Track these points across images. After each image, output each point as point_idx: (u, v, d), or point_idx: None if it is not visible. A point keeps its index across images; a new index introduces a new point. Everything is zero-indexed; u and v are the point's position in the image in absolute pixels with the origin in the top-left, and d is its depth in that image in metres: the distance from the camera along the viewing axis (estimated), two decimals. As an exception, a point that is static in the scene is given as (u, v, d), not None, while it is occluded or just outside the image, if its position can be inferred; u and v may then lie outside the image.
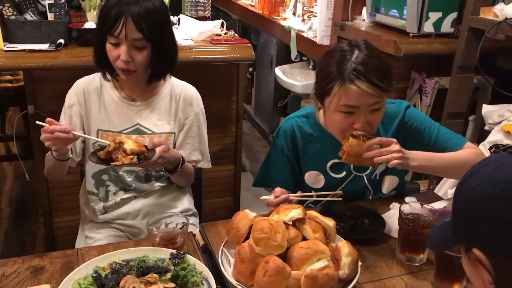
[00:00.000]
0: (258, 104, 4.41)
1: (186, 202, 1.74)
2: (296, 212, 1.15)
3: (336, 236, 1.20)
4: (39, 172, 2.14)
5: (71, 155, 1.52)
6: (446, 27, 2.32)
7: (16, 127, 3.96)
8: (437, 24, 2.30)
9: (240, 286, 1.05)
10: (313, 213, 1.20)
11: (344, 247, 1.10)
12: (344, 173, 1.49)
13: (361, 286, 1.15)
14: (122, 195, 1.64)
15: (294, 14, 3.58)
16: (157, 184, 1.67)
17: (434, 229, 0.96)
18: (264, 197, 1.36)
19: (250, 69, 4.43)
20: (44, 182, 2.15)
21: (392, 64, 2.43)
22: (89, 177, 1.66)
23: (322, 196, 1.44)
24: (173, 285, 1.04)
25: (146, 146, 1.44)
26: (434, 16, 2.28)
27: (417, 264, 1.24)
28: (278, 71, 3.41)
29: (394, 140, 1.29)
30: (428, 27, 2.30)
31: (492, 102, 2.37)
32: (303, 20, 3.35)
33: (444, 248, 1.04)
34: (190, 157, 1.67)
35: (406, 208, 1.27)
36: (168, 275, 1.07)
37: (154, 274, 1.05)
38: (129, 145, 1.38)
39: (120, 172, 1.62)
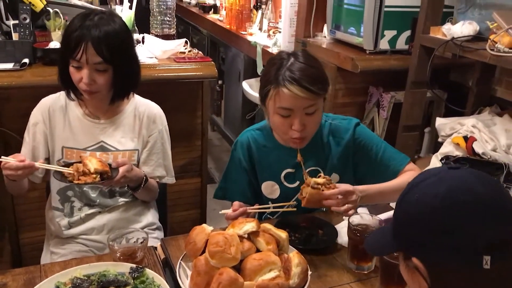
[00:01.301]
0: (227, 116, 4.48)
1: (150, 217, 1.79)
2: (250, 225, 1.22)
3: (289, 247, 1.28)
4: (4, 189, 2.15)
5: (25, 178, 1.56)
6: (401, 44, 2.44)
7: None
8: (392, 41, 2.42)
9: (196, 297, 1.11)
10: (267, 225, 1.28)
11: (294, 257, 1.18)
12: (297, 183, 1.57)
13: (312, 294, 1.23)
14: (87, 211, 1.68)
15: (260, 29, 3.67)
16: (121, 200, 1.71)
17: (373, 234, 1.03)
18: (222, 211, 1.42)
19: (220, 82, 4.50)
20: (10, 199, 2.17)
21: (352, 80, 2.56)
22: (54, 193, 1.69)
23: (278, 208, 1.51)
24: (131, 298, 1.09)
25: (110, 165, 1.48)
26: (389, 34, 2.40)
27: (365, 272, 1.32)
28: (245, 84, 3.48)
29: (353, 191, 1.37)
30: (383, 44, 2.41)
31: (446, 115, 2.49)
32: (269, 35, 3.44)
33: (383, 253, 1.12)
34: (154, 173, 1.72)
35: (355, 219, 1.35)
36: (128, 289, 1.12)
37: (113, 288, 1.11)
38: (93, 164, 1.42)
39: (85, 188, 1.66)
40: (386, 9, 2.36)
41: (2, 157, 1.37)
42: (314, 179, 1.35)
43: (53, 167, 1.51)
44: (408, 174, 1.54)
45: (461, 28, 2.01)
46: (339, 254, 1.39)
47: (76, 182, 1.40)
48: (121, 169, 1.46)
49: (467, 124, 2.13)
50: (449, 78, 2.66)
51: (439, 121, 2.26)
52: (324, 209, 1.61)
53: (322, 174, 1.40)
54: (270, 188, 1.59)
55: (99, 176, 1.42)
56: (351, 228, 1.33)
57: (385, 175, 1.54)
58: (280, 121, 1.44)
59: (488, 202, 0.80)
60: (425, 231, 0.81)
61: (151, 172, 1.70)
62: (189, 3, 5.06)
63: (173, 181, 1.81)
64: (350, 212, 1.35)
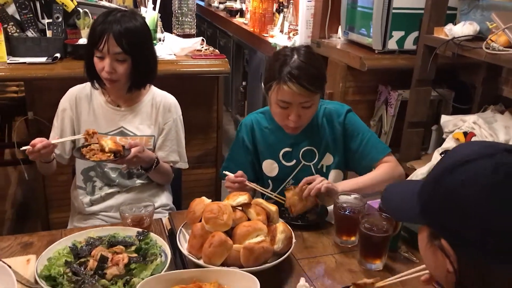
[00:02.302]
0: (250, 116, 4.64)
1: (164, 198, 1.95)
2: (242, 198, 1.37)
3: (280, 220, 1.42)
4: (38, 173, 2.38)
5: (53, 157, 1.74)
6: (409, 44, 2.54)
7: (18, 132, 4.23)
8: (400, 42, 2.53)
9: (191, 256, 1.27)
10: (259, 200, 1.42)
11: (280, 226, 1.32)
12: (294, 161, 1.73)
13: (298, 261, 1.36)
14: (107, 190, 1.86)
15: (281, 31, 3.82)
16: (138, 181, 1.89)
17: (393, 190, 0.95)
18: (226, 171, 1.58)
19: (244, 83, 4.67)
20: (41, 182, 2.39)
21: (361, 78, 2.68)
22: (78, 173, 1.88)
23: (277, 194, 1.65)
24: (135, 254, 1.26)
25: (123, 146, 1.66)
26: (397, 34, 2.51)
27: (349, 246, 1.45)
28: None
29: (317, 175, 1.56)
30: (392, 45, 2.53)
31: (453, 113, 2.58)
32: (289, 37, 3.59)
33: (405, 221, 1.16)
34: (169, 158, 1.89)
35: (341, 198, 1.48)
36: (133, 248, 1.29)
37: (121, 246, 1.28)
38: (108, 144, 1.60)
39: (106, 169, 1.85)
40: (394, 10, 2.47)
41: (22, 147, 1.56)
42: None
43: (66, 139, 1.71)
44: (384, 166, 1.69)
45: (461, 29, 2.11)
46: (327, 231, 1.52)
47: (92, 159, 1.57)
48: (133, 150, 1.63)
49: (469, 120, 2.22)
50: (457, 78, 2.73)
51: (444, 119, 2.35)
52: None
53: (292, 186, 1.57)
54: (269, 167, 1.76)
55: (113, 155, 1.59)
56: (337, 206, 1.46)
57: (364, 162, 1.71)
58: (279, 111, 1.61)
59: None
60: (467, 221, 0.72)
61: (165, 157, 1.87)
62: (217, 7, 5.26)
63: (186, 166, 1.97)
64: (325, 185, 1.50)
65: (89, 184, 1.87)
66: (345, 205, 1.45)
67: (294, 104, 1.57)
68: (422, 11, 2.37)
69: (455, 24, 2.17)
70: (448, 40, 2.11)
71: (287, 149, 1.74)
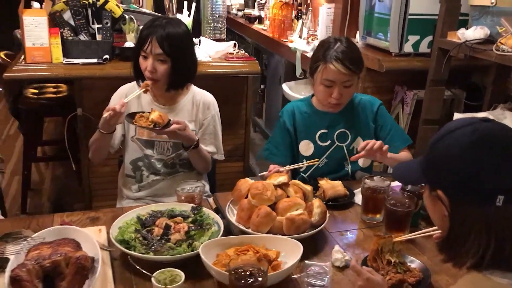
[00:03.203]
0: (268, 117, 4.85)
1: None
2: (282, 178, 1.58)
3: (314, 198, 1.62)
4: (84, 164, 2.60)
5: (115, 128, 1.92)
6: (424, 47, 2.74)
7: (59, 130, 4.50)
8: (416, 45, 2.73)
9: (240, 225, 1.48)
10: (296, 181, 1.63)
11: (316, 201, 1.52)
12: (328, 141, 1.97)
13: (330, 234, 1.57)
14: (153, 177, 2.08)
15: (300, 37, 4.03)
16: (181, 170, 2.10)
17: (401, 167, 1.18)
18: (260, 174, 1.79)
19: (262, 86, 4.88)
20: (87, 173, 2.61)
21: (379, 79, 2.88)
22: (127, 163, 2.09)
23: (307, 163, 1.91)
24: (192, 225, 1.47)
25: (169, 121, 1.82)
26: (412, 38, 2.71)
27: (374, 222, 1.65)
28: (285, 86, 3.83)
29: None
30: (408, 48, 2.72)
31: (465, 112, 2.77)
32: (308, 42, 3.79)
33: (411, 183, 1.44)
34: (207, 149, 2.09)
35: (368, 180, 1.68)
36: (190, 220, 1.50)
37: (180, 217, 1.49)
38: (153, 115, 1.78)
39: (152, 160, 2.06)
40: (410, 16, 2.67)
41: (105, 114, 1.77)
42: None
43: (132, 96, 1.91)
44: (403, 154, 1.95)
45: (473, 33, 2.30)
46: (355, 210, 1.72)
47: (135, 123, 1.78)
48: (173, 126, 1.80)
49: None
50: (469, 79, 2.93)
51: (456, 116, 2.53)
52: (349, 170, 2.01)
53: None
54: (306, 146, 2.00)
55: (153, 124, 1.76)
56: (364, 187, 1.66)
57: (391, 149, 1.90)
58: (324, 90, 1.87)
59: (510, 153, 0.92)
60: (453, 171, 0.95)
61: (204, 148, 2.07)
62: (236, 14, 5.49)
63: (222, 157, 2.17)
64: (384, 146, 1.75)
65: (138, 172, 2.08)
66: (372, 186, 1.65)
67: (337, 82, 1.83)
68: (436, 17, 2.57)
69: (467, 29, 2.36)
70: (460, 43, 2.30)
71: (323, 130, 1.98)
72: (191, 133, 1.94)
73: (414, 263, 1.37)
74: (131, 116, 1.84)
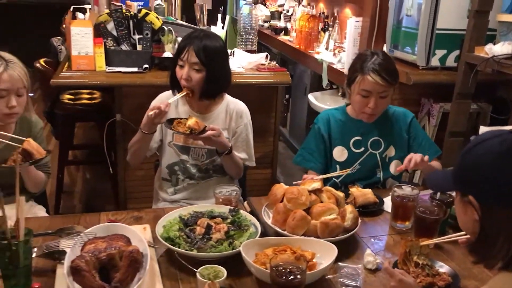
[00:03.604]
0: (292, 126, 4.94)
1: (235, 191, 2.25)
2: (316, 184, 1.66)
3: (345, 204, 1.70)
4: (120, 168, 2.72)
5: (156, 129, 2.02)
6: (450, 62, 2.80)
7: (90, 135, 4.65)
8: (443, 59, 2.79)
9: (276, 227, 1.56)
10: (329, 188, 1.71)
11: (348, 207, 1.60)
12: (362, 148, 2.07)
13: (362, 239, 1.64)
14: (188, 181, 2.17)
15: (326, 48, 4.12)
16: (214, 175, 2.20)
17: (434, 176, 1.29)
18: (295, 183, 1.87)
19: (286, 96, 4.97)
20: (123, 176, 2.73)
21: (406, 91, 2.94)
22: (164, 167, 2.19)
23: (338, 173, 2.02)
24: (231, 225, 1.56)
25: (205, 127, 1.91)
26: (440, 52, 2.78)
27: (404, 229, 1.71)
28: (311, 97, 3.92)
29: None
30: (435, 62, 2.79)
31: (491, 125, 2.82)
32: (334, 54, 3.88)
33: (443, 190, 1.51)
34: (240, 156, 2.18)
35: (397, 190, 1.75)
36: (228, 221, 1.59)
37: (219, 218, 1.58)
38: (190, 121, 1.87)
39: (187, 165, 2.16)
40: (437, 31, 2.74)
41: (150, 112, 1.86)
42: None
43: (175, 98, 2.01)
44: (433, 163, 2.02)
45: (501, 48, 2.36)
46: (384, 217, 1.80)
47: (174, 129, 1.88)
48: (209, 132, 1.89)
49: (505, 130, 2.46)
50: (496, 93, 2.97)
51: (482, 129, 2.58)
52: (380, 177, 2.10)
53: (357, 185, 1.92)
54: (340, 152, 2.09)
55: (189, 130, 1.85)
56: (394, 195, 1.73)
57: None
58: (360, 100, 1.97)
59: None
60: (484, 178, 1.04)
61: (237, 155, 2.16)
62: (262, 26, 5.61)
63: (253, 164, 2.26)
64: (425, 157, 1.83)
65: (174, 176, 2.18)
66: (401, 194, 1.72)
67: (374, 92, 1.93)
68: (463, 32, 2.63)
69: (494, 44, 2.43)
70: (488, 58, 2.36)
71: (357, 137, 2.07)
72: (225, 140, 2.03)
73: (443, 268, 1.43)
74: (170, 122, 1.95)
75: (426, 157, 1.83)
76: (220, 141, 1.99)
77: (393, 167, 2.08)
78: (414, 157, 1.81)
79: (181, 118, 1.97)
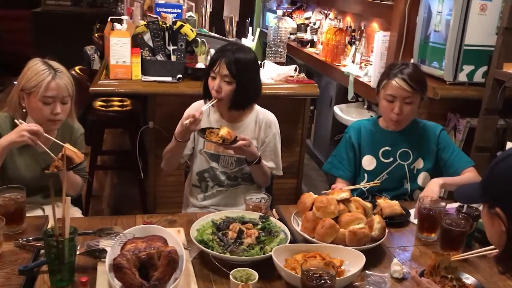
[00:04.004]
0: (316, 138, 4.98)
1: (261, 199, 2.31)
2: (344, 194, 1.71)
3: (373, 215, 1.74)
4: (150, 174, 2.80)
5: (189, 138, 2.11)
6: (478, 77, 2.82)
7: (118, 141, 4.76)
8: (470, 75, 2.82)
9: (305, 234, 1.62)
10: (357, 198, 1.76)
11: (376, 217, 1.64)
12: (391, 159, 2.12)
13: (388, 249, 1.68)
14: (217, 188, 2.24)
15: (353, 61, 4.17)
16: (242, 183, 2.26)
17: (462, 189, 1.34)
18: (323, 192, 1.92)
19: (311, 108, 5.02)
20: (153, 181, 2.82)
21: (433, 106, 2.97)
22: (194, 174, 2.27)
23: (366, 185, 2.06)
24: (262, 231, 1.61)
25: (236, 137, 1.97)
26: (467, 68, 2.80)
27: (430, 241, 1.74)
28: (336, 109, 3.97)
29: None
30: (462, 77, 2.82)
31: (518, 141, 2.82)
32: (361, 67, 3.92)
33: (471, 202, 1.54)
34: (267, 165, 2.25)
35: (424, 202, 1.79)
36: (259, 227, 1.64)
37: (250, 224, 1.64)
38: (223, 131, 1.94)
39: (217, 172, 2.23)
40: (465, 47, 2.77)
41: (186, 121, 1.95)
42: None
43: (205, 106, 2.09)
44: (467, 174, 2.04)
45: (529, 65, 2.39)
46: (410, 229, 1.83)
47: (207, 138, 1.95)
48: (240, 142, 1.95)
49: (533, 147, 2.47)
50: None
51: (509, 145, 2.60)
52: (408, 188, 2.15)
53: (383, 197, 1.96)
54: (369, 161, 2.14)
55: (222, 140, 1.92)
56: (421, 207, 1.76)
57: (451, 170, 2.08)
58: (386, 104, 2.05)
59: None
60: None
61: (265, 164, 2.23)
62: (289, 38, 5.68)
63: (281, 173, 2.31)
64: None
65: (203, 183, 2.25)
66: (428, 206, 1.76)
67: (398, 97, 2.00)
68: (491, 48, 2.65)
69: (523, 61, 2.45)
70: (516, 75, 2.38)
71: (387, 148, 2.12)
72: (254, 149, 2.10)
73: (469, 279, 1.46)
74: (202, 131, 2.02)
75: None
76: (250, 151, 2.05)
77: (420, 178, 2.11)
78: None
79: (212, 128, 2.04)
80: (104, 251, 1.46)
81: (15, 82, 1.94)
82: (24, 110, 1.90)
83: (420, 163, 2.13)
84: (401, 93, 2.00)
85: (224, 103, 2.12)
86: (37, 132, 1.75)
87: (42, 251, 1.50)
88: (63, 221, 1.36)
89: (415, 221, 1.83)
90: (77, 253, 1.44)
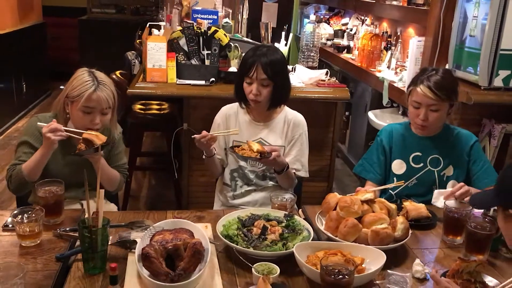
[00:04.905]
0: (351, 143, 4.97)
1: (289, 200, 2.35)
2: (369, 195, 1.74)
3: (397, 216, 1.75)
4: (184, 174, 2.89)
5: (214, 153, 2.19)
6: (515, 82, 2.77)
7: (155, 143, 4.90)
8: (506, 80, 2.77)
9: (329, 233, 1.65)
10: (381, 199, 1.78)
11: (400, 218, 1.66)
12: (421, 164, 2.11)
13: (412, 250, 1.68)
14: (246, 188, 2.30)
15: (388, 67, 4.15)
16: (270, 182, 2.31)
17: (477, 194, 1.40)
18: (349, 195, 1.94)
19: (346, 113, 5.02)
20: (186, 181, 2.91)
21: (467, 111, 2.94)
22: (227, 173, 2.33)
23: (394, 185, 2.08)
24: (286, 229, 1.66)
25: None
26: (503, 73, 2.76)
27: (455, 244, 1.74)
28: (371, 114, 3.96)
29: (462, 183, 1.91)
30: (498, 82, 2.77)
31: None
32: (396, 72, 3.90)
33: (485, 207, 1.54)
34: (293, 166, 2.27)
35: (450, 203, 1.78)
36: (283, 224, 1.69)
37: (275, 221, 1.69)
38: (256, 146, 2.00)
39: (246, 171, 2.29)
40: (501, 52, 2.72)
41: (193, 136, 2.04)
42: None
43: (219, 133, 2.17)
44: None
45: None
46: (436, 231, 1.83)
47: (244, 154, 1.99)
48: (274, 153, 2.01)
49: None
50: None
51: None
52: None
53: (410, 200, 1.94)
54: (399, 165, 2.15)
55: (259, 154, 1.98)
56: (447, 210, 1.76)
57: (479, 184, 2.04)
58: (412, 110, 2.07)
59: None
60: None
61: (290, 163, 2.25)
62: (325, 43, 5.71)
63: (307, 175, 2.33)
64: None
65: (233, 182, 2.32)
66: (454, 209, 1.76)
67: (423, 104, 2.01)
68: (529, 53, 2.61)
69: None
70: (553, 80, 2.33)
71: (417, 153, 2.12)
72: (283, 159, 2.15)
73: (492, 282, 1.46)
74: (232, 149, 2.08)
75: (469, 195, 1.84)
76: (280, 161, 2.10)
77: (450, 187, 2.09)
78: (465, 188, 1.85)
79: (238, 146, 2.08)
80: (134, 242, 1.54)
81: (62, 87, 2.05)
82: (67, 116, 2.00)
83: (450, 171, 2.12)
84: (426, 100, 2.00)
85: (263, 104, 2.19)
86: (56, 127, 1.82)
87: (78, 241, 1.59)
88: (97, 213, 1.45)
89: (439, 204, 1.87)
90: (109, 243, 1.52)
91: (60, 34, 7.58)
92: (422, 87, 2.00)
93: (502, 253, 1.68)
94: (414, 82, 2.05)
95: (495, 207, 1.62)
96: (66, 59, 7.15)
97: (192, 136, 2.06)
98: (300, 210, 1.98)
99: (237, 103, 2.31)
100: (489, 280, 1.47)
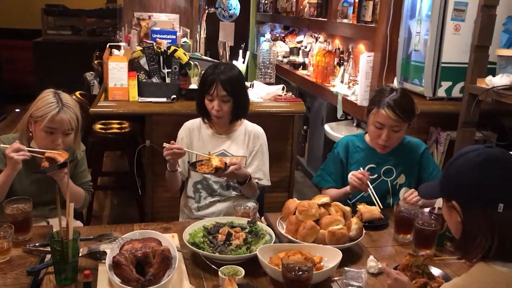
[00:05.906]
0: (310, 156, 5.14)
1: (252, 209, 2.45)
2: (325, 199, 1.86)
3: (352, 217, 1.88)
4: (148, 191, 2.95)
5: (178, 168, 2.28)
6: (456, 92, 2.99)
7: (116, 162, 4.89)
8: (448, 90, 2.99)
9: (289, 236, 1.76)
10: (336, 202, 1.91)
11: (354, 219, 1.79)
12: (375, 175, 2.23)
13: (366, 249, 1.82)
14: (210, 199, 2.39)
15: (342, 82, 4.35)
16: (233, 192, 2.40)
17: (424, 186, 1.51)
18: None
19: (305, 127, 5.20)
20: (150, 198, 2.96)
21: (416, 121, 3.12)
22: (189, 186, 2.42)
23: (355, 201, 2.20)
24: (249, 234, 1.75)
25: (226, 164, 2.16)
26: (445, 84, 2.98)
27: (405, 242, 1.88)
28: (327, 127, 4.12)
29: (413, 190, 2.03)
30: (441, 93, 2.99)
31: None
32: (349, 86, 4.10)
33: (432, 197, 1.63)
34: (255, 175, 2.38)
35: (401, 204, 1.93)
36: (246, 230, 1.79)
37: (239, 228, 1.78)
38: (215, 161, 2.10)
39: (209, 182, 2.38)
40: (443, 64, 2.94)
41: (164, 144, 2.10)
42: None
43: (193, 151, 2.25)
44: None
45: (500, 80, 2.55)
46: (388, 231, 1.97)
47: (200, 171, 2.10)
48: (230, 167, 2.10)
49: (508, 156, 2.62)
50: (500, 122, 3.14)
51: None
52: (390, 202, 2.24)
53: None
54: None
55: (215, 169, 2.06)
56: (397, 210, 1.91)
57: None
58: (374, 130, 2.15)
59: (509, 170, 1.22)
60: (464, 185, 1.24)
61: (252, 173, 2.36)
62: (282, 61, 5.89)
63: (269, 183, 2.45)
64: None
65: (197, 194, 2.40)
66: (403, 209, 1.90)
67: (386, 126, 2.10)
68: (466, 65, 2.83)
69: (494, 76, 2.62)
70: (488, 89, 2.55)
71: (372, 165, 2.24)
72: (245, 170, 2.25)
73: (437, 272, 1.60)
74: (193, 165, 2.18)
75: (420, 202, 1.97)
76: (242, 173, 2.20)
77: (402, 193, 2.21)
78: (415, 194, 1.97)
79: (201, 161, 2.18)
80: (104, 253, 1.60)
81: (17, 110, 2.09)
82: (30, 134, 2.04)
83: (402, 179, 2.24)
84: (389, 122, 2.08)
85: (225, 119, 2.30)
86: (19, 147, 1.88)
87: (48, 256, 1.64)
88: (67, 225, 1.51)
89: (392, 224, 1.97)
90: (80, 255, 1.57)
91: (14, 57, 7.46)
92: (386, 110, 2.07)
93: (447, 247, 1.83)
94: (376, 103, 2.12)
95: (440, 206, 1.79)
96: (21, 82, 7.05)
97: (164, 144, 2.11)
98: (262, 217, 2.08)
99: (199, 118, 2.41)
100: (434, 270, 1.61)
